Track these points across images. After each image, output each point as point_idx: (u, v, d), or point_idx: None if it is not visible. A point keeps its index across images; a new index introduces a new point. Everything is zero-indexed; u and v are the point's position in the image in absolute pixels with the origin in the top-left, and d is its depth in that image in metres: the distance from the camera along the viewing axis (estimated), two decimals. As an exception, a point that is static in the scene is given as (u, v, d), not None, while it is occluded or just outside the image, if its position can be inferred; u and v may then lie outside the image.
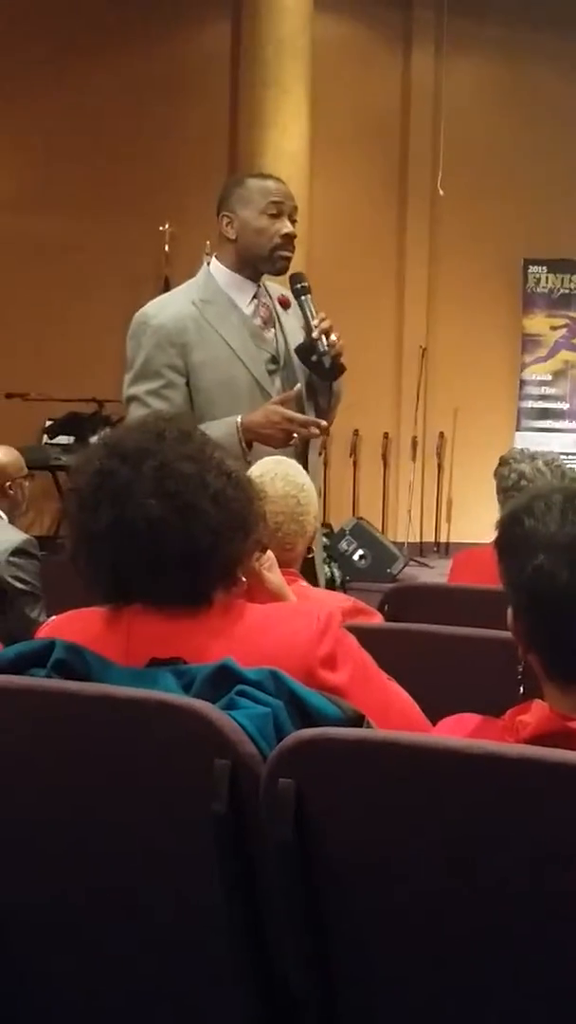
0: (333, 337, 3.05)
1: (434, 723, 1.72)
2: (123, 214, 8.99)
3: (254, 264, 3.13)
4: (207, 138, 9.33)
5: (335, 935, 1.42)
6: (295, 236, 3.12)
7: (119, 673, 1.56)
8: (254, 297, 3.15)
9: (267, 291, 3.21)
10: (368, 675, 1.71)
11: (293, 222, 3.11)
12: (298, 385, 3.08)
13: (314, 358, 3.06)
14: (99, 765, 1.50)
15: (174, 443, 1.64)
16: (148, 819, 1.49)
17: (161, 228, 8.98)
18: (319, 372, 3.09)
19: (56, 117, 8.95)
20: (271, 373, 3.11)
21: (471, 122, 9.80)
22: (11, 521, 3.94)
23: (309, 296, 3.11)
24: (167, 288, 9.50)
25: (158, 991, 1.55)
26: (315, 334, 3.05)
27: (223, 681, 1.49)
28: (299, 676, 1.54)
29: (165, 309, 3.15)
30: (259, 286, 3.16)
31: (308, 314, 3.10)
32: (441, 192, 9.51)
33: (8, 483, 3.91)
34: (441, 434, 9.88)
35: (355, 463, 9.74)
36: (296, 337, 3.14)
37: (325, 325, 3.05)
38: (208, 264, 3.20)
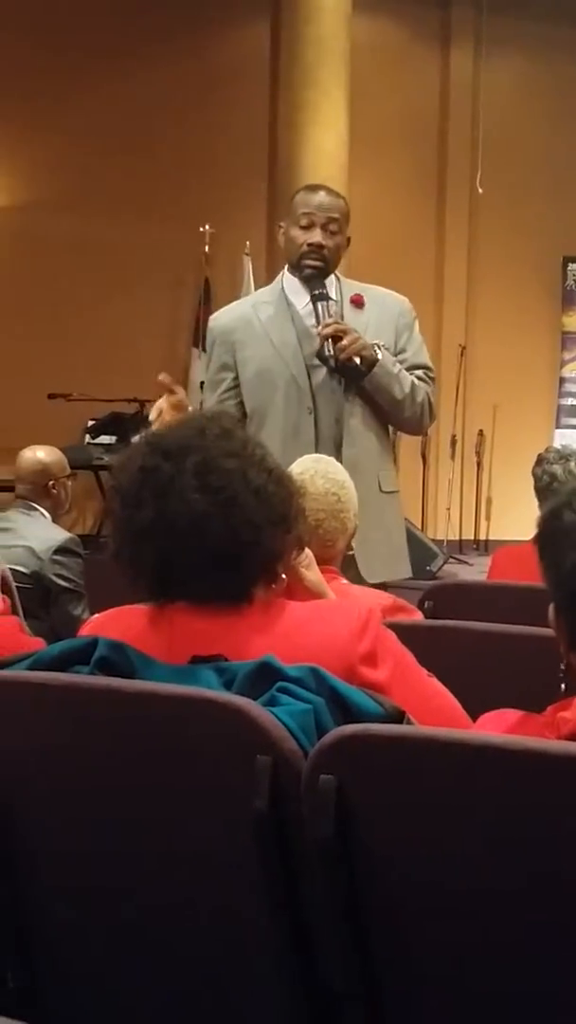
0: (344, 342, 3.21)
1: (474, 720, 1.72)
2: (164, 215, 9.02)
3: (292, 269, 3.39)
4: (247, 139, 9.35)
5: (376, 932, 1.42)
6: (323, 246, 3.30)
7: (161, 670, 1.57)
8: (314, 309, 3.33)
9: (339, 291, 3.39)
10: (408, 671, 1.71)
11: (331, 233, 3.31)
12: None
13: (323, 360, 3.26)
14: (141, 762, 1.51)
15: (216, 439, 1.65)
16: (189, 816, 1.50)
17: (201, 229, 9.00)
18: (333, 372, 3.27)
19: (97, 119, 9.00)
20: (314, 367, 3.31)
21: (510, 119, 9.76)
22: (54, 520, 3.97)
23: (324, 303, 3.29)
24: (207, 289, 9.60)
25: (199, 987, 1.56)
26: (317, 340, 3.25)
27: (264, 678, 1.50)
28: (339, 673, 1.55)
29: (225, 313, 3.52)
30: (327, 293, 3.33)
31: (317, 319, 3.28)
32: (480, 190, 9.47)
33: (51, 483, 3.94)
34: (480, 432, 9.84)
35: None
36: (366, 334, 3.29)
37: (327, 331, 3.22)
38: (285, 269, 3.47)
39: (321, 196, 3.38)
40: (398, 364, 3.33)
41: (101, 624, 1.74)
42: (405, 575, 3.53)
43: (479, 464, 9.83)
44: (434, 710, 1.70)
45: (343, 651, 1.61)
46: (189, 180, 9.10)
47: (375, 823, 1.39)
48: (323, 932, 1.44)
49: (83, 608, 3.76)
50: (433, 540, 8.88)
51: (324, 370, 3.29)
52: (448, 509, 9.64)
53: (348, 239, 3.43)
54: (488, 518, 9.87)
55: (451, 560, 8.70)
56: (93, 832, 1.57)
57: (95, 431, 8.47)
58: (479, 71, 9.81)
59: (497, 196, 9.58)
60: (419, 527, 9.10)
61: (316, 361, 3.29)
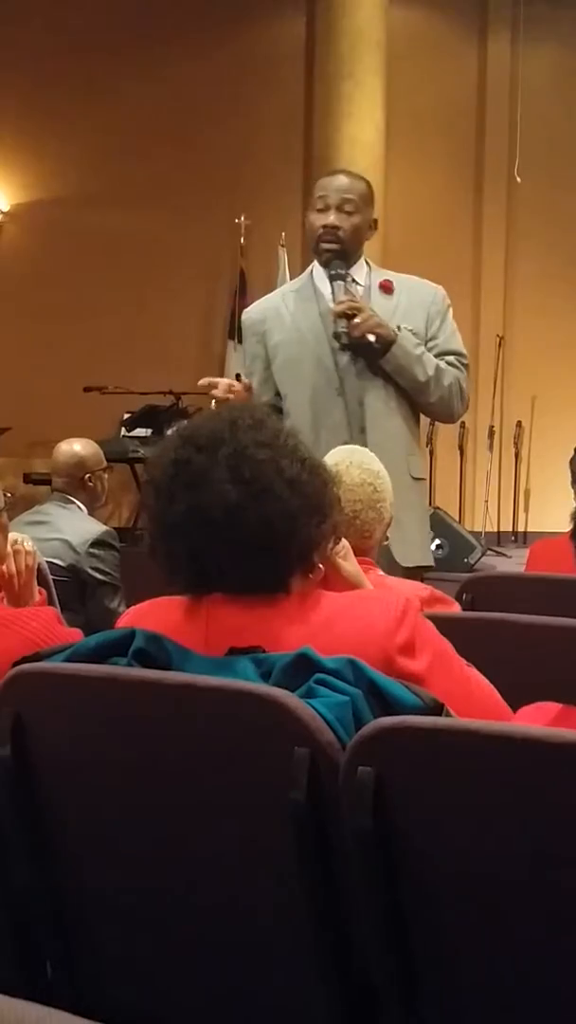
0: (356, 320, 3.24)
1: (513, 711, 1.71)
2: (199, 207, 9.03)
3: (315, 255, 3.42)
4: (282, 131, 9.34)
5: (414, 924, 1.41)
6: (337, 227, 3.32)
7: (199, 662, 1.57)
8: (331, 287, 3.36)
9: (367, 276, 3.43)
10: (447, 663, 1.70)
11: (347, 213, 3.33)
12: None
13: (336, 337, 3.29)
14: (179, 754, 1.51)
15: (248, 430, 1.65)
16: (227, 808, 1.49)
17: (237, 221, 9.00)
18: (345, 349, 3.30)
19: (131, 113, 9.02)
20: (339, 349, 3.33)
21: (548, 108, 9.69)
22: (90, 513, 3.98)
23: (341, 282, 3.32)
24: (243, 281, 9.61)
25: (236, 979, 1.56)
26: (331, 316, 3.29)
27: (302, 670, 1.50)
28: (377, 664, 1.54)
29: (256, 305, 3.57)
30: (346, 272, 3.36)
31: (334, 297, 3.31)
32: (518, 179, 9.42)
33: (87, 475, 3.95)
34: (519, 423, 9.79)
35: (432, 453, 9.69)
36: (393, 318, 3.33)
37: (340, 308, 3.26)
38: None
39: (338, 179, 3.41)
40: (422, 347, 3.33)
41: (138, 616, 1.74)
42: (430, 563, 3.57)
43: (517, 455, 9.78)
44: (474, 702, 1.69)
45: (381, 642, 1.60)
46: (224, 172, 9.11)
47: (413, 815, 1.38)
48: (360, 924, 1.44)
49: (119, 601, 3.77)
50: (471, 532, 8.84)
51: (349, 356, 3.32)
52: (486, 501, 9.60)
53: (374, 222, 3.44)
54: (526, 510, 9.82)
55: (489, 552, 8.67)
56: (131, 823, 1.57)
57: (131, 424, 8.48)
58: (516, 59, 9.75)
59: (535, 185, 9.51)
60: (457, 519, 9.07)
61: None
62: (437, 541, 8.29)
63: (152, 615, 1.71)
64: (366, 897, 1.41)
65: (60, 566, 3.66)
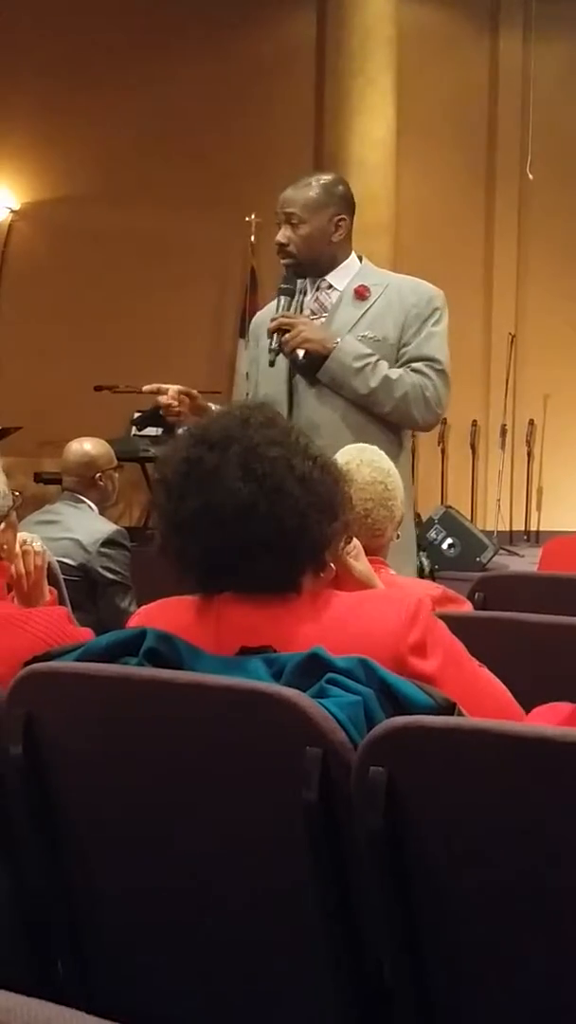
0: (286, 335, 3.27)
1: (526, 711, 1.70)
2: (210, 206, 9.03)
3: None
4: (293, 128, 9.33)
5: (426, 924, 1.41)
6: (283, 243, 3.36)
7: (210, 661, 1.56)
8: (317, 290, 3.40)
9: (350, 280, 3.38)
10: (459, 662, 1.69)
11: (292, 225, 3.34)
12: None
13: (271, 352, 3.33)
14: (190, 753, 1.51)
15: (259, 428, 1.65)
16: (239, 807, 1.49)
17: (247, 219, 9.00)
18: (272, 363, 3.34)
19: (142, 111, 9.02)
20: (270, 364, 3.34)
21: (560, 104, 9.66)
22: (101, 512, 3.99)
23: (284, 298, 3.36)
24: (253, 279, 9.60)
25: (248, 978, 1.56)
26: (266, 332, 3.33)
27: (313, 669, 1.49)
28: (389, 664, 1.53)
29: (261, 311, 3.60)
30: (320, 281, 3.38)
31: (277, 312, 3.36)
32: (530, 176, 9.40)
33: (98, 475, 3.95)
34: (531, 421, 9.77)
35: (443, 452, 9.68)
36: (356, 326, 3.32)
37: (272, 325, 3.30)
38: None
39: (284, 192, 3.38)
40: (368, 359, 3.25)
41: (149, 616, 1.74)
42: (413, 573, 3.48)
43: (529, 454, 9.76)
44: (485, 701, 1.68)
45: (393, 641, 1.60)
46: (235, 170, 9.10)
47: (425, 815, 1.37)
48: (372, 924, 1.43)
49: (130, 600, 3.77)
50: (483, 531, 8.83)
51: (308, 358, 3.31)
52: (498, 500, 9.58)
53: (339, 220, 3.34)
54: (539, 508, 9.80)
55: (501, 551, 8.65)
56: (142, 823, 1.57)
57: (141, 423, 8.49)
58: (528, 56, 9.72)
59: (547, 182, 9.49)
60: (469, 518, 9.06)
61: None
62: (449, 540, 8.29)
63: (163, 614, 1.70)
64: (378, 897, 1.41)
65: (71, 565, 3.66)
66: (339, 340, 3.26)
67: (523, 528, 9.81)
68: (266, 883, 1.50)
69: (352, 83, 8.59)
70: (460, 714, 1.50)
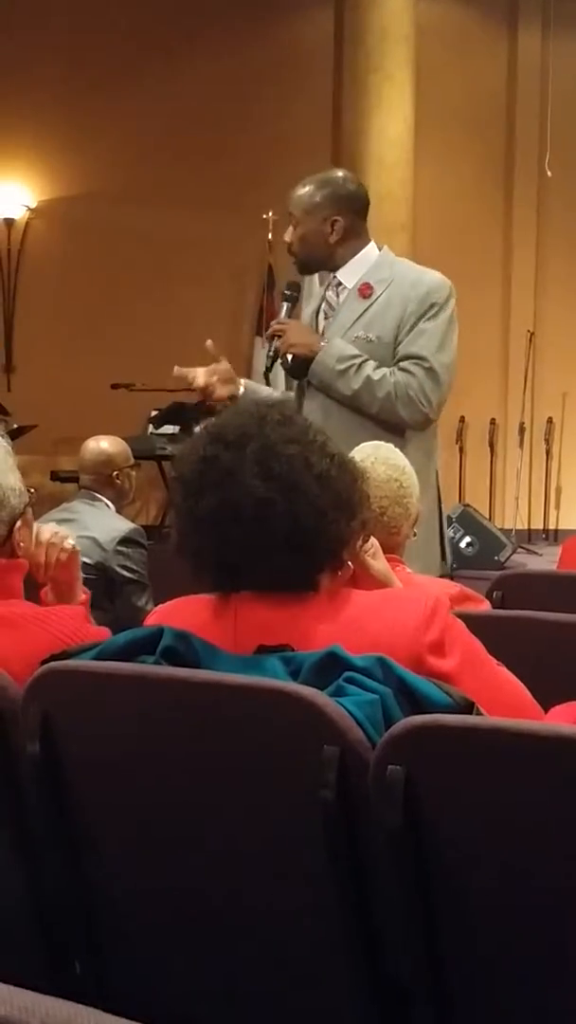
0: (277, 341, 3.39)
1: (544, 710, 1.69)
2: (227, 203, 9.04)
3: None
4: (310, 125, 9.32)
5: (445, 924, 1.40)
6: (289, 244, 3.47)
7: (227, 660, 1.56)
8: (327, 288, 3.48)
9: (360, 276, 3.41)
10: (477, 661, 1.68)
11: (293, 227, 3.44)
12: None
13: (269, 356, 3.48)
14: (207, 752, 1.51)
15: (276, 426, 1.64)
16: (256, 806, 1.49)
17: (265, 217, 8.99)
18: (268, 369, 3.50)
19: (160, 109, 9.03)
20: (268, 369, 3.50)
21: (579, 101, 9.63)
22: (118, 510, 3.99)
23: (287, 304, 3.50)
24: (271, 277, 9.60)
25: (265, 978, 1.55)
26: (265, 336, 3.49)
27: (331, 668, 1.49)
28: (407, 662, 1.53)
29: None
30: (331, 278, 3.45)
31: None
32: (549, 173, 9.37)
33: (115, 473, 3.95)
34: (550, 419, 9.75)
35: (461, 450, 9.66)
36: (353, 326, 3.37)
37: (268, 332, 3.44)
38: None
39: (291, 194, 3.46)
40: (353, 360, 3.28)
41: (166, 614, 1.73)
42: (436, 572, 3.47)
43: (548, 452, 9.73)
44: (504, 700, 1.67)
45: (410, 640, 1.59)
46: (253, 167, 9.10)
47: (444, 814, 1.37)
48: (391, 924, 1.43)
49: (147, 599, 3.77)
50: (501, 530, 8.81)
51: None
52: (516, 498, 9.56)
53: (334, 221, 3.37)
54: (557, 507, 9.78)
55: (520, 550, 8.63)
56: (159, 821, 1.57)
57: (158, 421, 8.50)
58: (547, 51, 9.69)
59: (566, 179, 9.46)
60: (487, 516, 9.04)
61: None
62: (467, 539, 8.27)
63: (180, 613, 1.70)
64: (396, 895, 1.41)
65: (88, 564, 3.66)
66: (324, 343, 3.32)
67: (541, 526, 9.78)
68: (283, 882, 1.50)
69: (370, 80, 8.58)
70: (478, 713, 1.49)
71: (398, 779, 1.35)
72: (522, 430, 9.63)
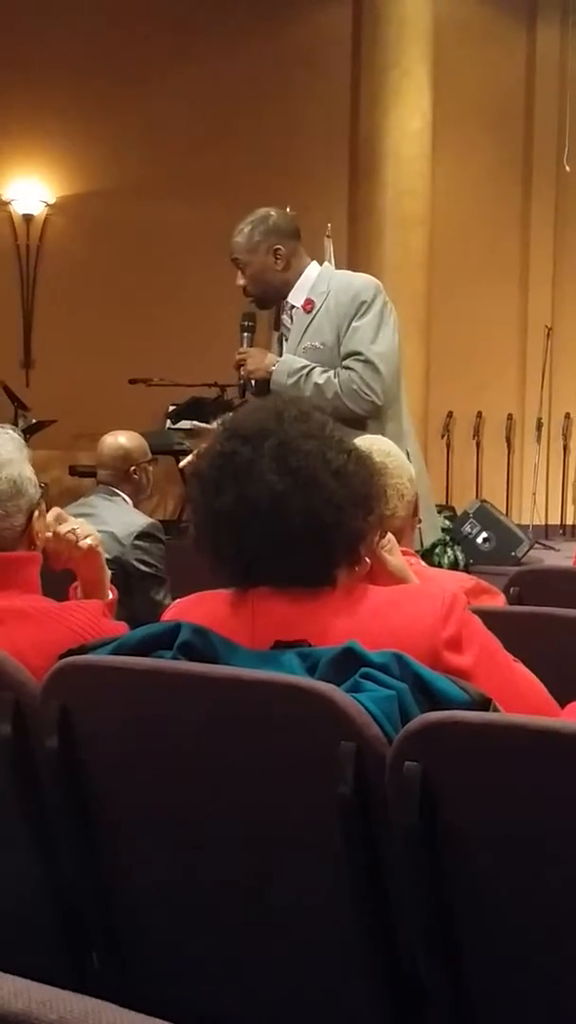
0: (242, 370, 3.67)
1: (562, 706, 1.69)
2: (245, 198, 8.98)
3: None
4: (328, 121, 9.32)
5: (461, 921, 1.40)
6: (242, 287, 3.71)
7: (244, 655, 1.56)
8: (282, 313, 3.73)
9: (304, 295, 3.64)
10: (494, 658, 1.68)
11: (241, 271, 3.69)
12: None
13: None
14: (225, 747, 1.51)
15: (293, 422, 1.64)
16: (273, 801, 1.49)
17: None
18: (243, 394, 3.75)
19: (177, 104, 9.03)
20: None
21: (598, 95, 9.60)
22: (136, 505, 3.99)
23: (247, 334, 3.78)
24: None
25: (282, 974, 1.56)
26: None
27: (348, 664, 1.49)
28: (424, 659, 1.53)
29: None
30: (285, 304, 3.69)
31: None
32: (567, 168, 9.33)
33: (133, 468, 3.96)
34: (567, 415, 9.72)
35: (478, 445, 9.64)
36: (303, 338, 3.62)
37: (234, 362, 3.71)
38: None
39: (232, 240, 3.70)
40: (298, 373, 3.55)
41: (183, 609, 1.74)
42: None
43: (565, 448, 9.71)
44: (520, 697, 1.67)
45: (427, 636, 1.59)
46: (270, 163, 9.10)
47: (460, 810, 1.37)
48: (407, 920, 1.43)
49: (165, 593, 3.77)
50: (518, 525, 8.79)
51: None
52: (534, 493, 9.53)
53: (277, 250, 3.63)
54: (575, 502, 9.74)
55: (537, 545, 8.61)
56: (176, 816, 1.57)
57: (176, 416, 8.51)
58: (566, 46, 9.65)
59: (584, 174, 9.43)
60: (504, 512, 9.02)
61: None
62: (484, 534, 8.25)
63: (198, 608, 1.70)
64: (413, 892, 1.40)
65: (106, 558, 3.66)
66: (275, 365, 3.60)
67: (559, 522, 9.76)
68: (300, 877, 1.50)
69: (388, 76, 8.56)
70: (495, 709, 1.49)
71: (415, 775, 1.35)
72: (539, 425, 9.60)
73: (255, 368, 3.64)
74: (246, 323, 3.78)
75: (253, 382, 3.65)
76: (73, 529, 2.17)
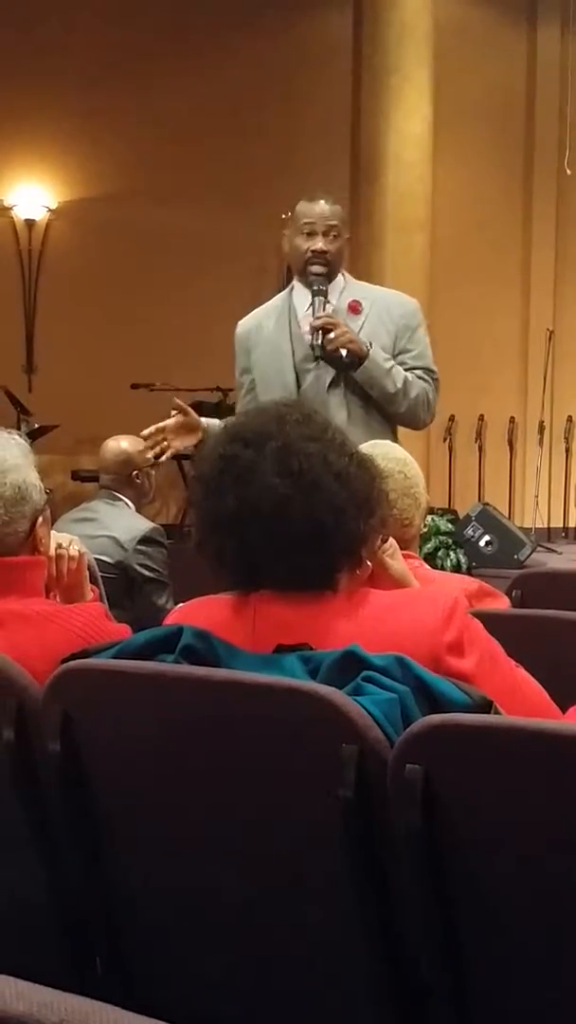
0: (331, 335, 3.40)
1: (563, 710, 1.69)
2: (245, 202, 9.04)
3: (298, 275, 3.60)
4: (329, 124, 9.32)
5: (463, 920, 1.40)
6: (326, 251, 3.50)
7: (246, 659, 1.56)
8: (311, 303, 3.52)
9: (340, 295, 3.53)
10: (495, 661, 1.68)
11: (332, 239, 3.50)
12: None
13: (312, 348, 3.45)
14: (226, 751, 1.51)
15: (295, 425, 1.65)
16: (275, 804, 1.49)
17: (283, 216, 8.98)
18: (321, 360, 3.45)
19: (178, 108, 9.04)
20: (306, 370, 3.49)
21: (599, 98, 9.60)
22: (138, 510, 4.00)
23: (321, 299, 3.49)
24: (288, 275, 9.59)
25: (285, 977, 1.56)
26: (307, 329, 3.46)
27: (349, 667, 1.49)
28: (425, 662, 1.53)
29: (245, 320, 3.67)
30: (326, 290, 3.51)
31: (315, 314, 3.48)
32: (568, 171, 9.34)
33: (135, 472, 3.96)
34: (570, 418, 9.72)
35: (481, 448, 9.64)
36: (358, 336, 3.45)
37: (318, 323, 3.42)
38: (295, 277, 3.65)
39: (321, 205, 3.54)
40: (391, 361, 3.46)
41: (185, 613, 1.74)
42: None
43: (568, 450, 9.70)
44: (522, 700, 1.67)
45: (429, 640, 1.59)
46: (271, 166, 9.10)
47: (462, 813, 1.37)
48: (409, 922, 1.43)
49: (167, 598, 3.78)
50: (521, 528, 8.79)
51: (313, 374, 3.48)
52: (536, 496, 9.53)
53: (347, 239, 3.60)
54: (577, 505, 9.75)
55: (539, 548, 8.61)
56: (179, 820, 1.57)
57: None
58: (567, 49, 9.66)
59: (585, 177, 9.43)
60: (507, 515, 9.02)
61: (307, 365, 3.47)
62: (487, 537, 8.25)
63: (200, 612, 1.71)
64: (415, 893, 1.41)
65: (108, 563, 3.67)
66: (371, 343, 3.44)
67: (561, 525, 9.75)
68: (303, 880, 1.50)
69: (388, 79, 8.57)
70: (496, 712, 1.49)
71: (416, 778, 1.35)
72: (541, 428, 9.60)
73: (351, 341, 3.41)
74: (322, 288, 3.53)
75: (344, 353, 3.42)
76: (60, 545, 2.17)
